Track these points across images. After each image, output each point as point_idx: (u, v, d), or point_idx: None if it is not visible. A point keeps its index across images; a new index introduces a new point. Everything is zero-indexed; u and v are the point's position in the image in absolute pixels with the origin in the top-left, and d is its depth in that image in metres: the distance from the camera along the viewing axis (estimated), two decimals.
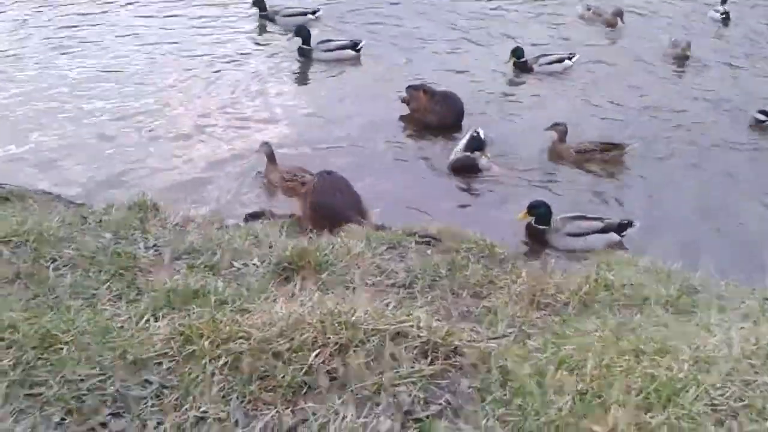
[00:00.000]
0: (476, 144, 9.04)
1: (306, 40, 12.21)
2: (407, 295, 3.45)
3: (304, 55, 12.24)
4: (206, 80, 11.36)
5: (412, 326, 2.70)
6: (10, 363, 2.41)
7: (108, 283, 3.16)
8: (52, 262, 3.32)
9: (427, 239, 4.31)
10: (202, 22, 13.73)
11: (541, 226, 7.83)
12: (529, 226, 7.95)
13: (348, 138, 9.77)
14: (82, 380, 2.39)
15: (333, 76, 11.85)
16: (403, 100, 10.32)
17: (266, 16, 13.74)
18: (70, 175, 8.64)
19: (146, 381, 2.41)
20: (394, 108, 10.47)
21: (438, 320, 2.86)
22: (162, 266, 3.41)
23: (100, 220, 3.96)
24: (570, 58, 11.95)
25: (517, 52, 11.79)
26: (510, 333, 2.98)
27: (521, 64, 11.79)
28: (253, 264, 3.63)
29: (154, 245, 3.72)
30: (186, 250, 3.65)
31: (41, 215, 3.88)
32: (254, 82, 11.45)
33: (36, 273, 3.19)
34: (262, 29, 13.61)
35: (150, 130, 9.72)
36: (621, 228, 7.76)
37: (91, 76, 11.35)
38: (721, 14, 14.75)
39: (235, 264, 3.62)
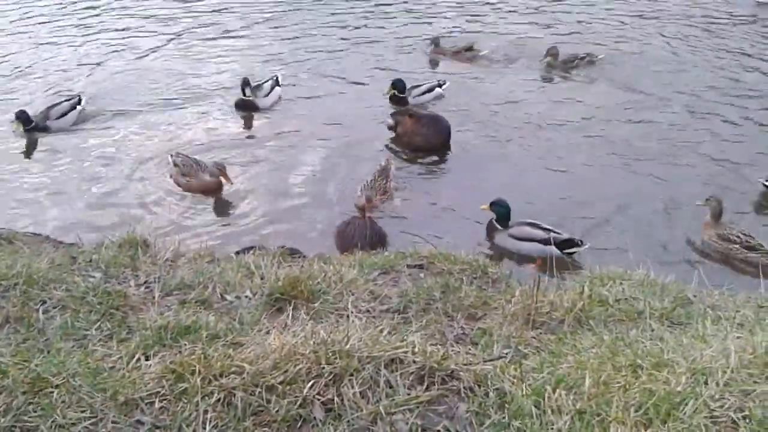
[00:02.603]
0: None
1: (27, 120, 10.54)
2: (401, 320, 3.43)
3: (39, 130, 10.62)
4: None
5: (406, 352, 2.67)
6: (0, 409, 2.37)
7: (98, 324, 3.12)
8: (41, 305, 3.29)
9: (420, 263, 4.29)
10: None
11: (498, 226, 8.07)
12: (489, 225, 8.19)
13: (337, 166, 9.76)
14: (73, 424, 2.36)
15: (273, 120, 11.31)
16: (390, 127, 10.36)
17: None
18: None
19: (138, 422, 2.38)
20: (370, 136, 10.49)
21: (433, 344, 2.83)
22: (153, 303, 3.38)
23: (90, 260, 3.93)
24: (440, 86, 11.99)
25: (396, 85, 11.53)
26: (506, 354, 2.95)
27: (398, 99, 11.48)
28: (246, 296, 3.61)
29: (145, 282, 3.69)
30: (177, 286, 3.63)
31: (30, 257, 3.85)
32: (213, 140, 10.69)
33: (25, 316, 3.15)
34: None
35: None
36: (565, 244, 7.64)
37: None
38: None
39: (227, 297, 3.59)
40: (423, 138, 10.13)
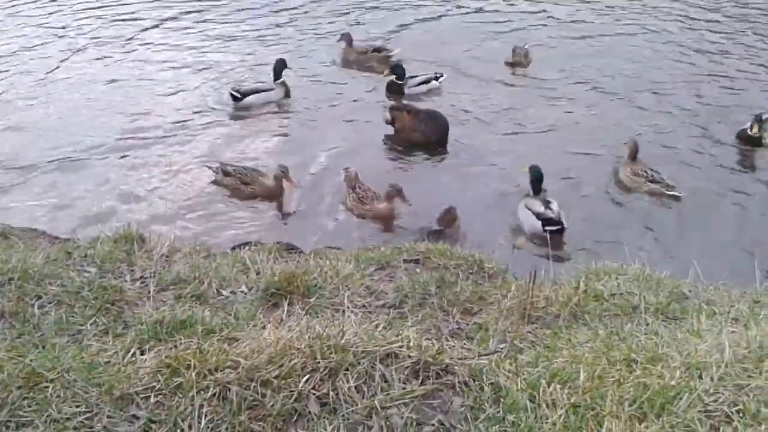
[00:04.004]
0: None
1: None
2: (397, 315, 3.44)
3: None
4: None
5: (402, 346, 2.67)
6: None
7: (94, 318, 3.12)
8: (37, 300, 3.29)
9: (416, 258, 4.29)
10: None
11: (532, 190, 8.39)
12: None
13: (335, 162, 9.72)
14: (68, 419, 2.36)
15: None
16: (387, 121, 10.32)
17: None
18: None
19: (133, 416, 2.38)
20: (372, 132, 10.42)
21: (428, 339, 2.83)
22: (148, 298, 3.38)
23: (85, 255, 3.93)
24: (437, 78, 11.62)
25: (396, 71, 11.32)
26: (501, 348, 2.96)
27: (397, 87, 11.32)
28: (241, 291, 3.61)
29: (141, 277, 3.69)
30: (173, 281, 3.63)
31: (25, 252, 3.84)
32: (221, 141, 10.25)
33: (21, 311, 3.15)
34: None
35: None
36: (547, 222, 7.79)
37: None
38: None
39: (223, 292, 3.60)
40: (421, 134, 10.09)
